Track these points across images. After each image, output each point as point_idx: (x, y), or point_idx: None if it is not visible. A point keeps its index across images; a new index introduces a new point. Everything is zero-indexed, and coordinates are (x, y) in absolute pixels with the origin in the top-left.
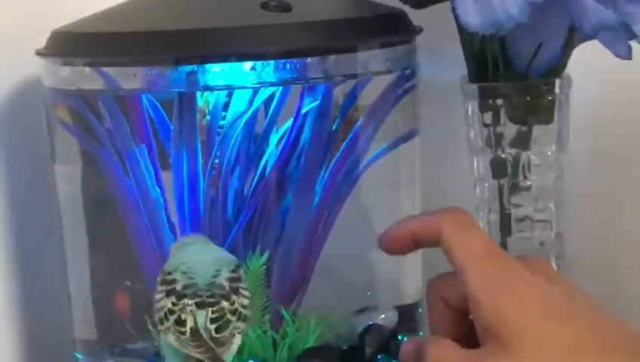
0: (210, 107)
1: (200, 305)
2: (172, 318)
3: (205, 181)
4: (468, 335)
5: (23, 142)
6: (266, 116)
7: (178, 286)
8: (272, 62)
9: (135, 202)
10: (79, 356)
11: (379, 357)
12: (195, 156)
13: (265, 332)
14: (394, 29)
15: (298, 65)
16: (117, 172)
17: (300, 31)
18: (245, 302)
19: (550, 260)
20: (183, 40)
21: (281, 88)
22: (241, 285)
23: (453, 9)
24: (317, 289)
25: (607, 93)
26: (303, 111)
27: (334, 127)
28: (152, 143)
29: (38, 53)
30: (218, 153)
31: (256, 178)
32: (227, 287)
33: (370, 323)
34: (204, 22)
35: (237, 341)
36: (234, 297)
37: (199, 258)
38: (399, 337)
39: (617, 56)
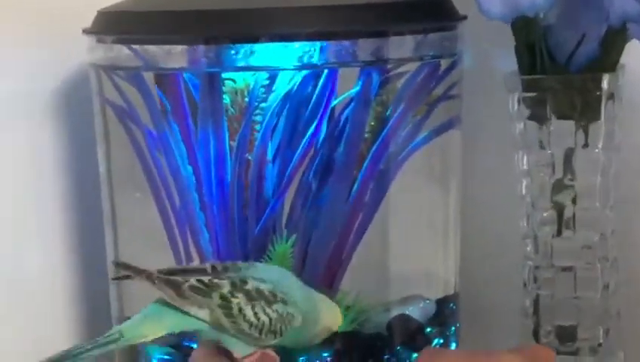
0: (251, 88)
1: None
2: None
3: (237, 163)
4: None
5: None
6: (310, 99)
7: None
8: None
9: (165, 180)
10: None
11: (398, 348)
12: (222, 136)
13: None
14: (436, 15)
15: (336, 49)
16: (150, 149)
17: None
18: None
19: (594, 262)
20: (211, 20)
21: (326, 71)
22: (258, 302)
23: None
24: (354, 276)
25: None
26: (342, 98)
27: (387, 113)
28: (188, 122)
29: (84, 31)
30: (255, 135)
31: (294, 162)
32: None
33: (400, 313)
34: (234, 3)
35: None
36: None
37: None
38: (426, 330)
39: None
